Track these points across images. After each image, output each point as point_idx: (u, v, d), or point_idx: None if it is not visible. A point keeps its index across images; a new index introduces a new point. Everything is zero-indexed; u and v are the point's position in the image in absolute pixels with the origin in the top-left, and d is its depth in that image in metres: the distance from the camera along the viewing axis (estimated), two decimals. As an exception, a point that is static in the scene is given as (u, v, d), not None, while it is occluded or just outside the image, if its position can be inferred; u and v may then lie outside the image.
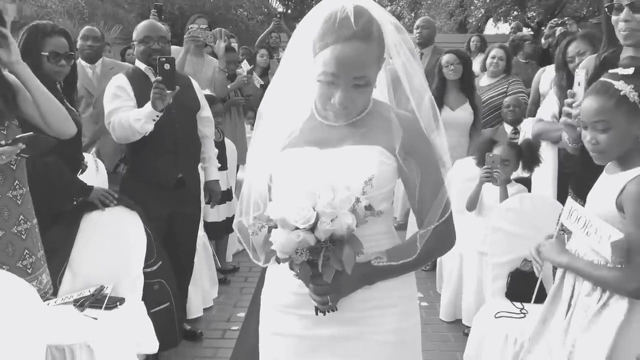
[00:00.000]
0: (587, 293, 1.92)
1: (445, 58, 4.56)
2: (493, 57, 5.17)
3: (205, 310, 3.90)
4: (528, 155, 3.28)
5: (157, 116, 2.96)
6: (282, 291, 1.62)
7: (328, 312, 1.51)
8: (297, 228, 1.35)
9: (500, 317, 2.75)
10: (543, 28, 14.68)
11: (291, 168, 1.56)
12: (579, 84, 2.16)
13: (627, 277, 1.79)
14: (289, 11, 27.52)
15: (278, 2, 27.52)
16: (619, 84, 1.85)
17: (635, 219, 1.79)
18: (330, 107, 1.51)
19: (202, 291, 3.89)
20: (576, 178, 2.50)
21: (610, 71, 1.95)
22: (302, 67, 1.54)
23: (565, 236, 2.09)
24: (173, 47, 4.32)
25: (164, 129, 3.06)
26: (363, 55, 1.44)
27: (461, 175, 3.80)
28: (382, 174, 1.53)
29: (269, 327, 1.68)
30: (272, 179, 1.61)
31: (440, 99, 4.45)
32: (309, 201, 1.35)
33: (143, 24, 3.44)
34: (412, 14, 22.81)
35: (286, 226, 1.36)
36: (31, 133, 2.23)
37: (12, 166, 2.27)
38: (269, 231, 1.41)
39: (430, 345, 3.48)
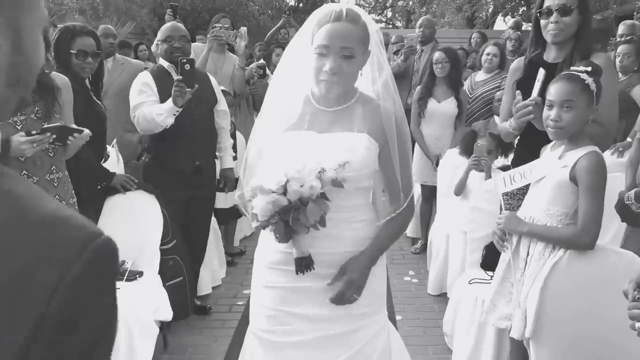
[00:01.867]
0: (540, 251, 2.32)
1: (435, 56, 4.90)
2: (488, 54, 5.45)
3: (214, 288, 4.23)
4: (504, 144, 3.59)
5: (177, 111, 3.26)
6: (270, 250, 1.96)
7: (307, 271, 1.84)
8: (272, 192, 1.68)
9: (473, 283, 3.08)
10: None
11: (290, 148, 1.87)
12: (538, 81, 2.48)
13: (580, 233, 2.21)
14: (301, 5, 27.58)
15: (289, -4, 27.59)
16: (584, 76, 2.24)
17: (588, 188, 2.20)
18: (323, 75, 1.82)
19: (211, 271, 4.22)
20: (516, 156, 2.92)
21: (573, 68, 2.36)
22: (301, 57, 1.89)
23: (503, 205, 2.46)
24: (196, 44, 4.66)
25: (184, 122, 3.36)
26: (349, 31, 1.81)
27: (450, 163, 4.14)
28: (367, 158, 1.86)
29: (260, 281, 2.01)
30: (270, 157, 1.92)
31: (428, 92, 4.85)
32: (283, 171, 1.69)
33: (166, 25, 3.76)
34: (424, 9, 23.04)
35: (263, 192, 1.69)
36: (58, 124, 2.56)
37: (49, 153, 2.61)
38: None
39: (417, 315, 3.85)
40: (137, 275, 3.16)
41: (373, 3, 30.29)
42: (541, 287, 2.24)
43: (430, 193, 4.92)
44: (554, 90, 2.26)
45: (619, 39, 5.44)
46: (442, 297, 4.06)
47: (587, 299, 2.23)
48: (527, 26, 10.96)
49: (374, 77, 1.97)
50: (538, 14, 2.67)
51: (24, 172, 2.53)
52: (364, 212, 1.96)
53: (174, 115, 3.27)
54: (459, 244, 3.83)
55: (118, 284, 2.45)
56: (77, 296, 0.62)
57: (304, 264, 1.82)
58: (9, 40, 0.67)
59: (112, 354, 0.73)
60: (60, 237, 0.63)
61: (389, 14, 29.34)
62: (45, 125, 2.51)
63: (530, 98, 2.47)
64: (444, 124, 4.86)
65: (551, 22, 2.58)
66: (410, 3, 22.28)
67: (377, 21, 30.82)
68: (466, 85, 5.47)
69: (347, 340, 1.92)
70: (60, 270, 0.60)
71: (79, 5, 9.50)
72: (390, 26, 27.55)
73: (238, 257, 4.98)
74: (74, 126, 2.66)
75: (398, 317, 3.77)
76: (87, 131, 2.62)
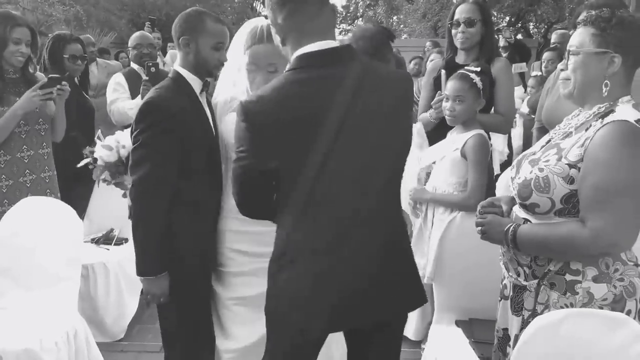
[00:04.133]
0: (441, 213, 3.00)
1: None
2: (431, 60, 6.18)
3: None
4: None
5: None
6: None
7: None
8: None
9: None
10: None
11: None
12: (442, 80, 3.20)
13: (468, 197, 2.85)
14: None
15: (262, 6, 28.23)
16: (473, 75, 2.92)
17: (473, 162, 2.87)
18: (254, 88, 2.35)
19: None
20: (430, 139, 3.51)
21: (466, 68, 3.04)
22: (237, 60, 2.44)
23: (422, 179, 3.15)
24: (173, 52, 5.29)
25: None
26: (271, 51, 2.25)
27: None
28: None
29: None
30: None
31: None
32: None
33: (136, 34, 4.57)
34: (394, 18, 23.95)
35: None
36: (52, 75, 3.18)
37: (42, 133, 3.25)
38: None
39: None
40: (124, 241, 3.82)
41: (344, 13, 31.18)
42: (439, 239, 2.79)
43: None
44: (449, 87, 2.96)
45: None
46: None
47: (475, 251, 2.65)
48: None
49: None
50: (450, 25, 3.37)
51: (24, 146, 3.18)
52: None
53: None
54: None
55: (108, 247, 3.17)
56: None
57: None
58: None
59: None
60: None
61: (361, 24, 30.22)
62: (50, 75, 3.17)
63: (441, 94, 3.18)
64: None
65: (459, 32, 3.27)
66: (379, 11, 23.17)
67: (348, 31, 31.64)
68: (415, 89, 6.17)
69: None
70: None
71: (64, 16, 10.18)
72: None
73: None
74: (60, 76, 3.28)
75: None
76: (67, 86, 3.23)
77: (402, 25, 23.34)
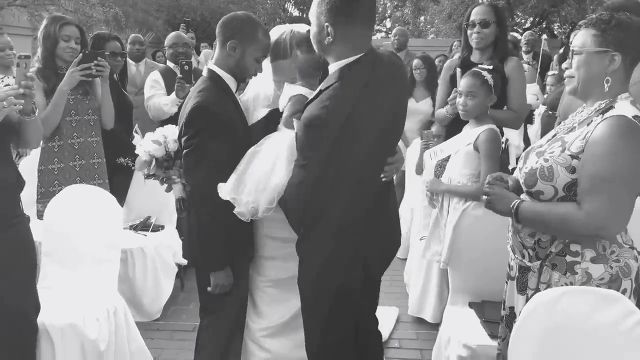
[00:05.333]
0: (456, 202, 3.14)
1: (414, 62, 5.72)
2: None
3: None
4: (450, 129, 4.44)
5: (179, 102, 4.12)
6: None
7: None
8: None
9: (422, 240, 3.91)
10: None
11: None
12: (458, 77, 3.35)
13: (480, 189, 2.90)
14: (305, 15, 28.42)
15: (294, 7, 28.45)
16: (484, 73, 3.07)
17: (485, 155, 3.02)
18: (279, 89, 2.54)
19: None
20: (446, 134, 3.70)
21: (479, 66, 3.20)
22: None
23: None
24: (206, 51, 5.50)
25: None
26: (293, 66, 2.48)
27: (417, 151, 4.97)
28: None
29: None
30: None
31: (409, 93, 5.65)
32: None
33: (172, 34, 4.81)
34: (421, 18, 23.96)
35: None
36: (87, 51, 3.41)
37: (91, 123, 3.51)
38: None
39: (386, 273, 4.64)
40: (160, 228, 4.05)
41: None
42: (454, 227, 2.96)
43: (402, 178, 5.70)
44: (462, 84, 3.11)
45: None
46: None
47: (487, 237, 2.80)
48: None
49: None
50: (465, 26, 3.53)
51: (75, 133, 3.46)
52: None
53: (177, 105, 4.16)
54: (420, 215, 4.65)
55: (145, 233, 3.40)
56: None
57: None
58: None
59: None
60: None
61: (388, 24, 30.25)
62: (87, 51, 3.40)
63: (457, 90, 3.32)
64: (421, 120, 5.68)
65: (475, 32, 3.43)
66: (406, 12, 23.20)
67: (377, 31, 31.69)
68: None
69: None
70: None
71: (104, 17, 10.62)
72: (389, 35, 28.37)
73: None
74: (94, 51, 3.53)
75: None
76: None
77: (428, 26, 23.32)
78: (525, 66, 5.67)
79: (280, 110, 2.45)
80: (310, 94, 2.26)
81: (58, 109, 3.31)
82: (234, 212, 2.35)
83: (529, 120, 5.53)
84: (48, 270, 3.03)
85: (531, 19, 18.39)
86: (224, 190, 2.34)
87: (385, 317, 3.76)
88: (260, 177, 2.33)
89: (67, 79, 3.29)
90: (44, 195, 3.33)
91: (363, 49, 2.10)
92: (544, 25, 18.37)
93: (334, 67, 2.12)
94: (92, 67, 3.33)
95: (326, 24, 2.08)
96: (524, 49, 8.08)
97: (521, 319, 1.88)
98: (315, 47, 2.19)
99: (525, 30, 18.79)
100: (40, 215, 3.18)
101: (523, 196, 2.10)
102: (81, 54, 3.34)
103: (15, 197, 2.45)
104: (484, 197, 2.16)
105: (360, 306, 2.38)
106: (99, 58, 3.39)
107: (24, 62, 2.23)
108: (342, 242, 2.15)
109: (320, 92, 2.07)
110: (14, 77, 2.87)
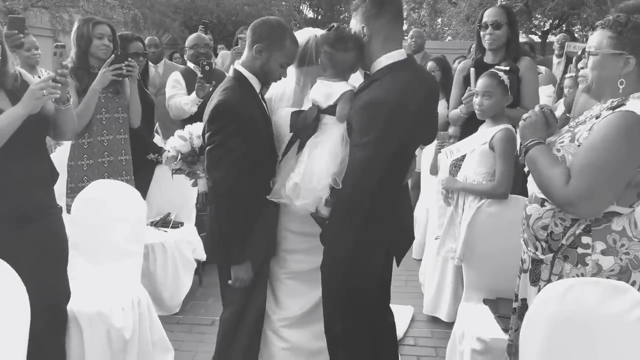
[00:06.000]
0: (471, 200, 3.21)
1: (428, 65, 5.71)
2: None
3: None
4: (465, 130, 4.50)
5: (199, 101, 4.23)
6: None
7: None
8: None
9: (437, 239, 3.98)
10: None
11: None
12: (472, 78, 3.42)
13: (496, 186, 3.06)
14: (319, 17, 28.53)
15: (309, 9, 28.57)
16: (501, 73, 3.14)
17: (501, 154, 3.08)
18: (304, 89, 2.65)
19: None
20: (461, 134, 3.78)
21: (496, 67, 3.26)
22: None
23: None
24: (224, 52, 5.60)
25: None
26: (318, 72, 2.53)
27: (433, 151, 5.04)
28: None
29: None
30: None
31: None
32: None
33: (193, 36, 4.94)
34: (438, 20, 23.93)
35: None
36: (118, 52, 3.54)
37: (120, 121, 3.64)
38: None
39: (401, 273, 4.72)
40: (179, 225, 4.16)
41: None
42: (468, 224, 3.03)
43: (418, 180, 5.74)
44: (479, 84, 3.18)
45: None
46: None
47: (501, 235, 2.86)
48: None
49: None
50: (478, 27, 3.60)
51: (104, 130, 3.59)
52: None
53: (197, 104, 4.26)
54: (435, 215, 4.71)
55: (166, 229, 3.54)
56: None
57: None
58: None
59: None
60: None
61: (405, 27, 30.32)
62: (118, 52, 3.53)
63: (472, 90, 3.40)
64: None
65: (487, 34, 3.52)
66: (423, 14, 23.19)
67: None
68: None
69: None
70: None
71: (124, 19, 10.84)
72: (406, 37, 28.34)
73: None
74: (126, 52, 3.65)
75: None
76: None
77: (445, 28, 23.26)
78: (542, 68, 5.71)
79: (314, 105, 2.51)
80: (354, 89, 2.44)
81: (90, 107, 3.44)
82: (296, 203, 2.43)
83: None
84: (75, 261, 3.13)
85: (550, 21, 18.28)
86: (283, 190, 2.46)
87: (400, 315, 3.81)
88: (322, 167, 2.41)
89: (100, 78, 3.42)
90: (73, 190, 3.44)
91: (398, 42, 2.41)
92: (564, 28, 18.26)
93: (381, 62, 2.36)
94: (122, 68, 3.46)
95: (362, 25, 2.38)
96: (556, 52, 8.10)
97: (532, 309, 1.95)
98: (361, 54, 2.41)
99: (544, 33, 18.68)
100: (69, 210, 3.30)
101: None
102: (113, 55, 3.47)
103: (50, 188, 2.57)
104: (525, 115, 2.25)
105: (379, 293, 2.50)
106: (129, 59, 3.51)
107: (60, 52, 2.35)
108: (372, 226, 2.29)
109: (371, 82, 2.34)
110: (39, 77, 3.00)
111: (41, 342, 2.15)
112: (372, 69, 2.40)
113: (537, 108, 2.23)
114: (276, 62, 2.50)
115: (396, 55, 2.36)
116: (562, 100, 6.09)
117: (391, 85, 2.28)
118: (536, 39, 16.36)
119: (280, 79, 2.59)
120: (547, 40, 17.73)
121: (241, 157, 2.42)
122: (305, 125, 2.47)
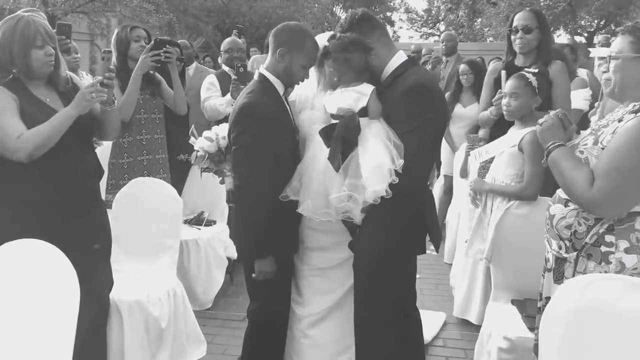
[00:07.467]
0: (499, 201, 3.24)
1: (461, 68, 5.69)
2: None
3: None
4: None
5: (234, 102, 4.36)
6: None
7: None
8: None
9: (466, 242, 3.98)
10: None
11: None
12: (503, 80, 3.46)
13: (525, 188, 3.09)
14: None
15: (342, 10, 28.61)
16: (529, 75, 3.19)
17: (530, 156, 3.11)
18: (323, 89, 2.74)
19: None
20: (490, 136, 3.82)
21: (525, 69, 3.30)
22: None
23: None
24: (258, 56, 5.74)
25: None
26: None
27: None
28: None
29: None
30: None
31: (456, 98, 5.68)
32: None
33: (228, 40, 5.11)
34: (477, 21, 23.73)
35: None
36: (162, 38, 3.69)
37: (157, 121, 3.79)
38: None
39: (433, 275, 4.81)
40: (212, 223, 4.29)
41: (425, 16, 31.13)
42: (496, 224, 3.05)
43: (451, 184, 5.71)
44: (507, 85, 3.23)
45: None
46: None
47: (529, 236, 2.86)
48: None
49: None
50: (509, 31, 3.64)
51: (143, 130, 3.75)
52: None
53: (232, 105, 4.35)
54: (466, 218, 4.71)
55: (199, 227, 3.68)
56: None
57: None
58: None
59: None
60: None
61: (442, 27, 30.16)
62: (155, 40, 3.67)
63: (502, 92, 3.44)
64: (468, 125, 5.68)
65: (518, 38, 3.55)
66: (461, 14, 23.00)
67: (430, 34, 31.54)
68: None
69: None
70: None
71: (159, 23, 11.13)
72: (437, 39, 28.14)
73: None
74: (164, 38, 3.77)
75: (417, 276, 4.68)
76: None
77: (486, 29, 23.01)
78: (584, 71, 5.65)
79: (340, 107, 2.58)
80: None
81: (134, 93, 3.59)
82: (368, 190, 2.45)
83: (583, 125, 5.47)
84: (115, 254, 3.27)
85: (596, 21, 17.95)
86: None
87: (433, 320, 3.88)
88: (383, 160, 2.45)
89: (140, 64, 3.59)
90: (114, 187, 3.60)
91: (393, 47, 2.64)
92: (613, 28, 17.90)
93: (396, 61, 2.56)
94: (161, 54, 3.60)
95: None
96: None
97: (552, 303, 1.97)
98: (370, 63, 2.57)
99: (590, 33, 18.32)
100: (109, 205, 3.45)
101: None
102: (152, 42, 3.63)
103: (96, 183, 2.74)
104: (541, 120, 2.34)
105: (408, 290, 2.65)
106: (167, 45, 3.65)
107: (107, 56, 2.50)
108: (414, 207, 2.51)
109: (396, 77, 2.51)
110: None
111: (86, 327, 2.27)
112: (385, 70, 2.57)
113: (551, 112, 2.32)
114: (298, 64, 2.61)
115: (404, 56, 2.60)
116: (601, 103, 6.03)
117: (423, 74, 2.55)
118: (583, 40, 16.04)
119: (303, 80, 2.69)
120: (594, 42, 17.45)
121: (265, 158, 2.51)
122: (349, 132, 2.51)
